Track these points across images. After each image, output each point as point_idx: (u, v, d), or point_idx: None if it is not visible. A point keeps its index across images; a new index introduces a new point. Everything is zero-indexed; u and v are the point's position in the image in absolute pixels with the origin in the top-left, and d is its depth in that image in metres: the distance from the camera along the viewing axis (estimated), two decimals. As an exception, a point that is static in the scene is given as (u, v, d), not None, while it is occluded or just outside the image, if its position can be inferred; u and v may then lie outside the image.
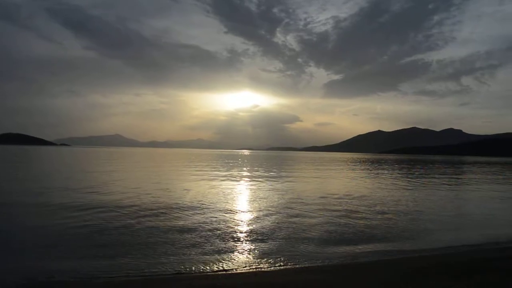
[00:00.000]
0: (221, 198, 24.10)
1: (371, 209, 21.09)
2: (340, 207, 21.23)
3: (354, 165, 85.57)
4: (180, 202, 21.78)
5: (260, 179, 39.55)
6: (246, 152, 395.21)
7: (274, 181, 38.11)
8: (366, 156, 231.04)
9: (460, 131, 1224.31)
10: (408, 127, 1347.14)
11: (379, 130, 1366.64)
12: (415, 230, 16.27)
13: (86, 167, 56.93)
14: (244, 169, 60.33)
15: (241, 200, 24.06)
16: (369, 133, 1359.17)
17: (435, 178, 48.46)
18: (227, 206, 20.67)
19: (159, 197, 23.74)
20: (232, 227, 15.44)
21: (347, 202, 23.53)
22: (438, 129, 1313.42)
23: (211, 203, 21.67)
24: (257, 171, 55.40)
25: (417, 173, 59.92)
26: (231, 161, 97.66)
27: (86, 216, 17.01)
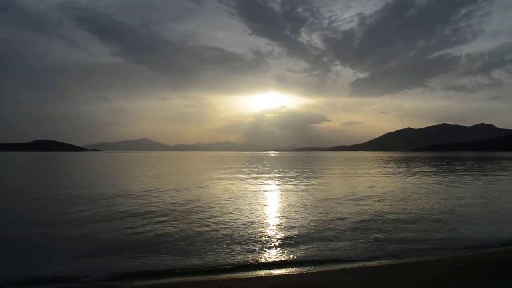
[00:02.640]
0: (266, 202, 24.12)
1: (402, 209, 20.78)
2: (370, 208, 21.00)
3: (385, 165, 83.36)
4: (217, 205, 22.05)
5: (294, 181, 39.50)
6: (274, 153, 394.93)
7: (307, 183, 37.98)
8: (397, 155, 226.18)
9: (492, 126, 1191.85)
10: (438, 123, 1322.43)
11: (408, 128, 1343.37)
12: (445, 229, 15.87)
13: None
14: (280, 171, 59.79)
15: (276, 203, 24.09)
16: (398, 131, 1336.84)
17: (470, 175, 46.26)
18: (268, 210, 20.88)
19: (196, 197, 23.90)
20: (264, 230, 15.60)
21: (377, 202, 23.29)
22: (469, 124, 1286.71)
23: (250, 206, 21.84)
24: (290, 173, 55.05)
25: (451, 170, 58.07)
26: (265, 163, 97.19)
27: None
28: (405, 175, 48.36)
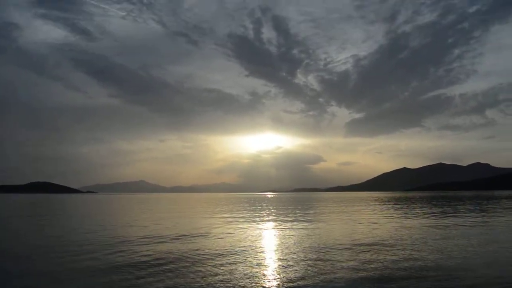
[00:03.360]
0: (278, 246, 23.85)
1: (406, 256, 20.37)
2: (372, 255, 20.69)
3: (384, 206, 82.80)
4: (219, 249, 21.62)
5: (294, 224, 38.84)
6: (271, 194, 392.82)
7: (307, 226, 37.27)
8: (394, 195, 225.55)
9: (487, 165, 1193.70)
10: (434, 163, 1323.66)
11: (404, 168, 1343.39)
12: (452, 273, 15.32)
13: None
14: (279, 213, 59.10)
15: (277, 251, 23.70)
16: (394, 170, 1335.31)
17: (474, 215, 45.68)
18: (269, 259, 20.58)
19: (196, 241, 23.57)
20: (264, 282, 15.39)
21: (380, 249, 22.97)
22: (464, 163, 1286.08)
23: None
24: (289, 215, 54.29)
25: (454, 211, 57.45)
26: (264, 205, 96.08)
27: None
28: (407, 216, 47.82)
